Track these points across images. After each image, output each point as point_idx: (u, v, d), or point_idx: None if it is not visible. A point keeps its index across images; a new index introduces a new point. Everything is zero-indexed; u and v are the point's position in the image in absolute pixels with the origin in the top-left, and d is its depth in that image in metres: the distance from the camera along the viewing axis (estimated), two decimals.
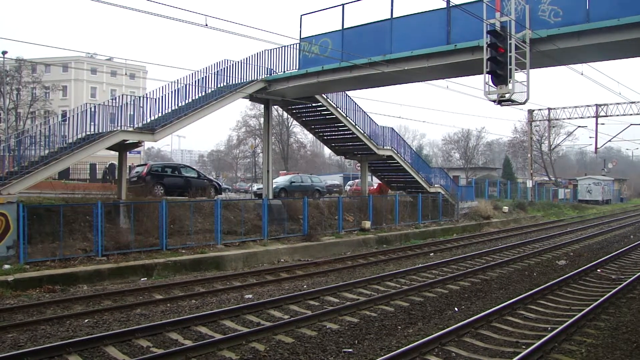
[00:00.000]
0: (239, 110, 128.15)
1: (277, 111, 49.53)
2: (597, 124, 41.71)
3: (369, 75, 18.17)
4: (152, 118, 18.34)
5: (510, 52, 13.17)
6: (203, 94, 19.69)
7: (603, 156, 74.73)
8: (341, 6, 19.01)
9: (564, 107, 44.55)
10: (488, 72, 13.33)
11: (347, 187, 41.52)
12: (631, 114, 39.32)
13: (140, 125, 17.91)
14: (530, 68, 14.01)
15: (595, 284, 14.24)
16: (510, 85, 13.16)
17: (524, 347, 8.61)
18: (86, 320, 10.31)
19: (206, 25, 12.88)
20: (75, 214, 16.72)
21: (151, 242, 16.65)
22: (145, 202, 18.62)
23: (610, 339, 9.17)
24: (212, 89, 19.95)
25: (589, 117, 42.25)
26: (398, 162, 27.40)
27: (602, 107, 40.92)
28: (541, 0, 14.57)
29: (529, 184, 46.56)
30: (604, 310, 11.06)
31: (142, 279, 14.53)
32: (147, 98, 18.63)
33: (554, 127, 55.06)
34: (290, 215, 22.03)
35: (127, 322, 10.21)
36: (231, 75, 20.68)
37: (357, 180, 38.32)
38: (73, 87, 69.13)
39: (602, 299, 11.56)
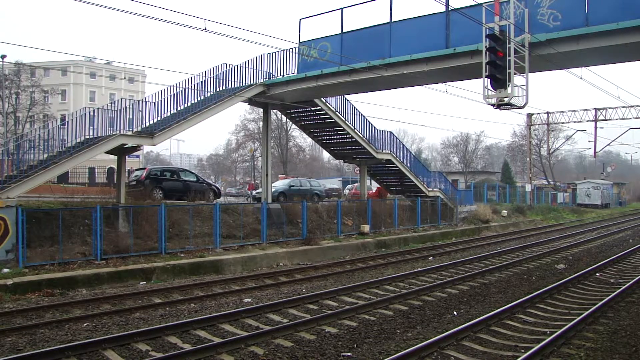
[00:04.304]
0: (238, 114, 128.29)
1: (276, 115, 49.71)
2: (596, 127, 41.78)
3: (368, 79, 18.20)
4: (151, 122, 18.34)
5: (509, 56, 13.19)
6: (202, 97, 19.70)
7: (602, 160, 74.80)
8: (340, 10, 19.04)
9: (563, 111, 44.63)
10: (487, 76, 13.35)
11: (346, 191, 41.49)
12: (630, 118, 39.37)
13: (139, 129, 17.92)
14: (530, 72, 14.02)
15: (594, 287, 14.23)
16: (509, 89, 13.17)
17: (523, 350, 8.61)
18: (85, 324, 10.30)
19: (205, 29, 12.91)
20: (74, 217, 16.70)
21: (150, 246, 16.64)
22: (144, 206, 18.60)
23: (610, 342, 9.17)
24: (211, 93, 19.97)
25: (588, 120, 42.30)
26: (397, 166, 27.43)
27: (601, 111, 40.97)
28: (540, 4, 14.59)
29: (528, 187, 46.53)
30: (603, 314, 11.06)
31: (141, 283, 14.51)
32: (146, 102, 18.64)
33: (553, 130, 55.07)
34: (289, 219, 22.03)
35: (126, 326, 10.20)
36: (230, 79, 20.69)
37: (356, 184, 38.32)
38: (72, 91, 69.03)
39: (601, 302, 11.56)
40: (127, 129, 17.48)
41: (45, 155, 16.24)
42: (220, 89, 20.35)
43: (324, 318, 10.54)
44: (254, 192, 35.90)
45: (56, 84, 62.73)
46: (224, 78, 20.51)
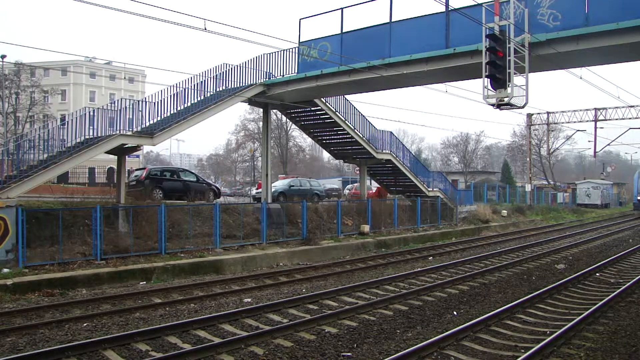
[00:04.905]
0: (237, 114, 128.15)
1: (276, 115, 49.71)
2: (596, 127, 41.81)
3: (367, 79, 18.20)
4: (151, 122, 18.35)
5: (509, 56, 13.20)
6: (202, 97, 19.71)
7: (602, 160, 74.77)
8: (340, 10, 19.05)
9: (563, 111, 44.63)
10: (487, 76, 13.36)
11: (346, 191, 41.48)
12: (630, 118, 39.39)
13: (139, 129, 17.92)
14: (530, 72, 14.04)
15: (594, 287, 14.23)
16: (509, 89, 13.19)
17: (522, 350, 8.60)
18: (85, 324, 10.30)
19: (205, 29, 12.92)
20: (74, 217, 16.70)
21: (150, 246, 16.64)
22: (144, 206, 18.61)
23: (609, 342, 9.17)
24: (211, 93, 19.97)
25: (587, 121, 42.31)
26: (397, 166, 27.43)
27: (601, 111, 40.97)
28: (540, 4, 14.59)
29: (528, 187, 46.53)
30: (602, 314, 11.05)
31: (141, 283, 14.51)
32: (146, 102, 18.65)
33: (552, 131, 55.06)
34: (289, 219, 22.02)
35: (126, 326, 10.19)
36: (230, 79, 20.69)
37: (356, 184, 38.32)
38: (72, 91, 69.08)
39: (601, 302, 11.55)
40: (127, 129, 17.48)
41: (45, 155, 16.24)
42: (220, 89, 20.35)
43: (324, 318, 10.53)
44: (254, 192, 35.92)
45: (56, 84, 62.77)
46: (224, 78, 20.51)
